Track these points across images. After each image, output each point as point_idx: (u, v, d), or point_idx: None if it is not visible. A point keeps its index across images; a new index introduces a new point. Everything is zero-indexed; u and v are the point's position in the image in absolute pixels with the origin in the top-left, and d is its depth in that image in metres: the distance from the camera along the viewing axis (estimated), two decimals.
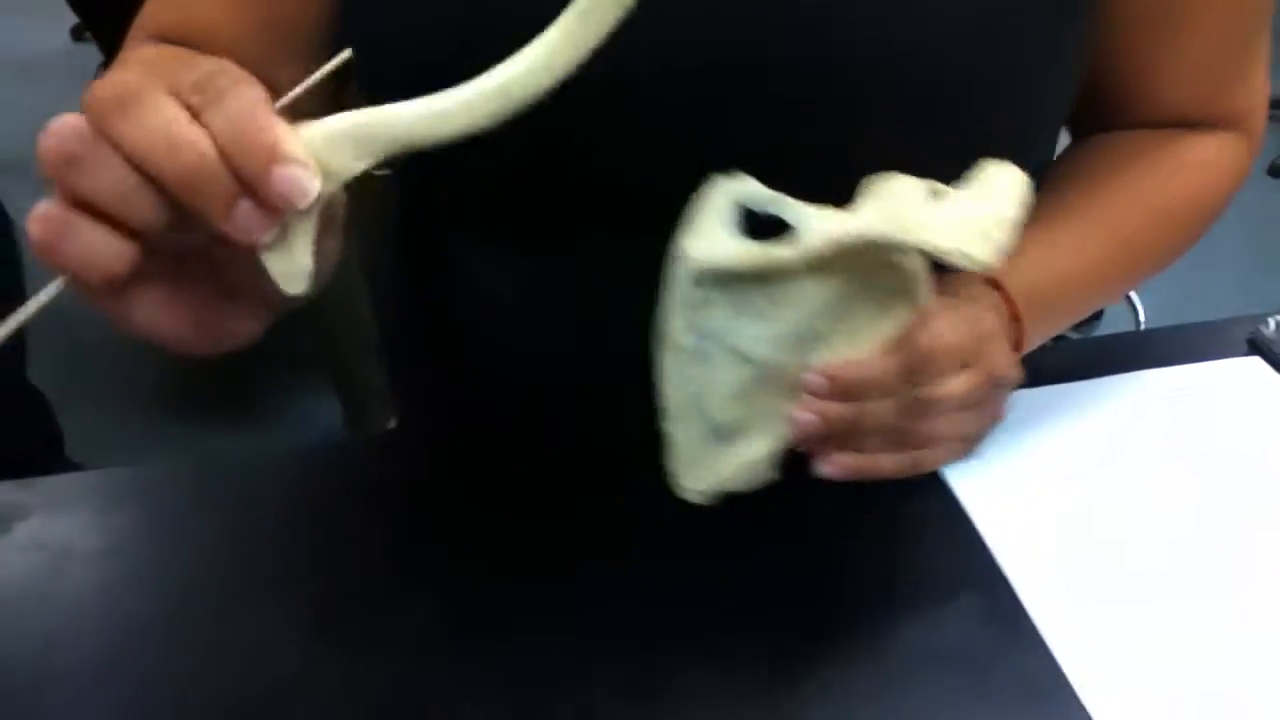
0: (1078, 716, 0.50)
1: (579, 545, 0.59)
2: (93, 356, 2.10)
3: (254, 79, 0.36)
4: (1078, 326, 0.68)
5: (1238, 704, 0.51)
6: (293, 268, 0.38)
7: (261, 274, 0.37)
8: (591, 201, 0.56)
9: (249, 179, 0.34)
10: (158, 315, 0.38)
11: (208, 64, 0.36)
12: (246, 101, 0.35)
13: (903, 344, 0.47)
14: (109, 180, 0.34)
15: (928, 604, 0.56)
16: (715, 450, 0.49)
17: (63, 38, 3.55)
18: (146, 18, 0.61)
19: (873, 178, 0.45)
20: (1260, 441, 0.65)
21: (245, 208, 0.35)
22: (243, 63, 0.57)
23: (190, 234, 0.36)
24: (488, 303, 0.64)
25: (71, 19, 3.26)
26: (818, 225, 0.44)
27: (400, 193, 0.68)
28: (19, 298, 1.45)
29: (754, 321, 0.46)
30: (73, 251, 0.34)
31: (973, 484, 0.62)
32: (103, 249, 0.34)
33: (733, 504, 0.61)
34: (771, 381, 0.48)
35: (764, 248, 0.45)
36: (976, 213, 0.43)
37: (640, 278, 0.51)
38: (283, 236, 0.37)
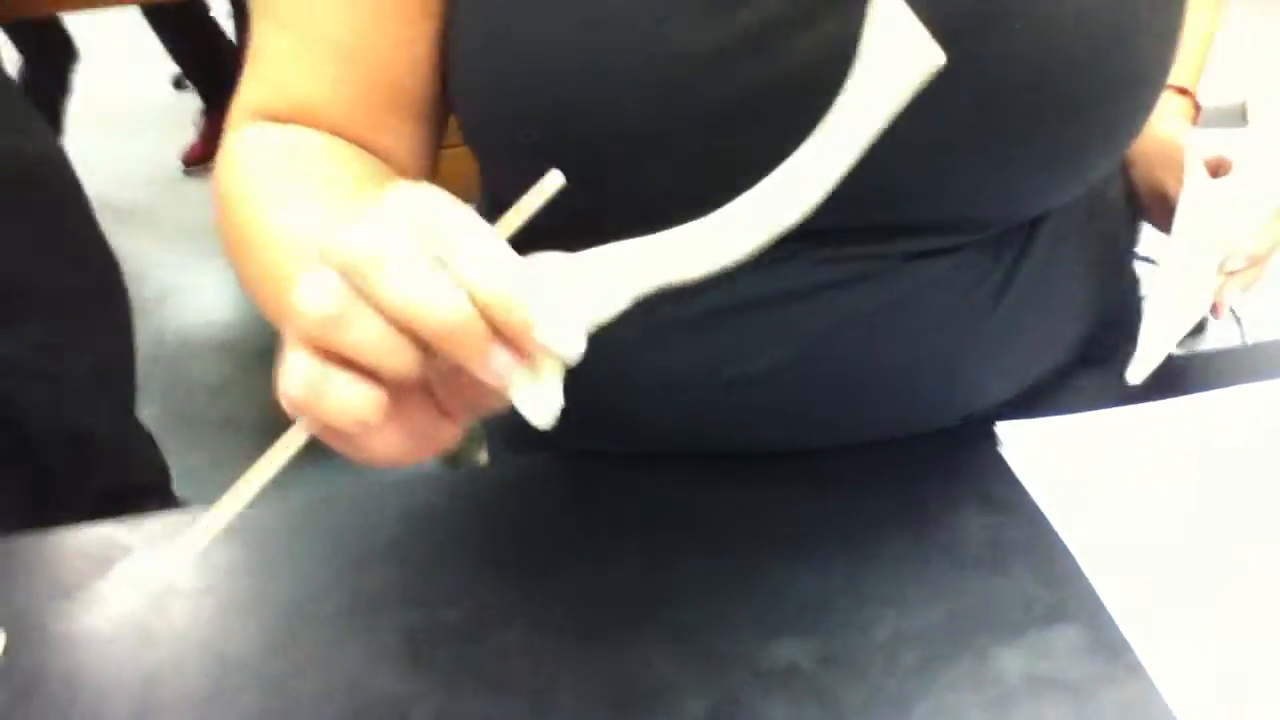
0: None
1: (671, 568, 0.59)
2: (197, 393, 2.17)
3: (471, 214, 0.37)
4: (1182, 342, 0.67)
5: None
6: (544, 402, 0.39)
7: (489, 394, 0.38)
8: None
9: (510, 335, 0.36)
10: (390, 441, 0.39)
11: (432, 205, 0.37)
12: (487, 249, 0.36)
13: None
14: (372, 337, 0.35)
15: (1028, 632, 0.54)
16: None
17: (164, 87, 3.68)
18: (245, 97, 0.61)
19: None
20: None
21: (502, 358, 0.37)
22: (348, 131, 0.58)
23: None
24: None
25: (172, 68, 3.39)
26: None
27: None
28: (129, 336, 1.49)
29: None
30: (332, 405, 0.36)
31: (1066, 507, 0.60)
32: (360, 401, 0.36)
33: (824, 533, 0.61)
34: None
35: None
36: None
37: None
38: (533, 371, 0.39)
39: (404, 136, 0.61)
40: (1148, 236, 0.77)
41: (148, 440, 1.77)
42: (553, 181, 0.39)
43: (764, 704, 0.52)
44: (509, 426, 0.74)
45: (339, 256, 0.35)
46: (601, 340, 0.62)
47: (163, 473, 1.78)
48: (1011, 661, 0.53)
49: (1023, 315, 0.64)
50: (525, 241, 0.39)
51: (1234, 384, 0.69)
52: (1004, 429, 0.66)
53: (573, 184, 0.49)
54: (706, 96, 0.53)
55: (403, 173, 0.61)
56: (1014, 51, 0.52)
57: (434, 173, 0.64)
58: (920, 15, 0.49)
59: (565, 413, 0.61)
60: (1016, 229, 0.62)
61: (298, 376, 0.36)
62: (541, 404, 0.39)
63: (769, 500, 0.63)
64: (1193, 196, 0.64)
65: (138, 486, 1.71)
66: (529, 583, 0.59)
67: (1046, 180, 0.59)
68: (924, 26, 0.40)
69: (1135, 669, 0.52)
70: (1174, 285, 0.65)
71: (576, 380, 0.64)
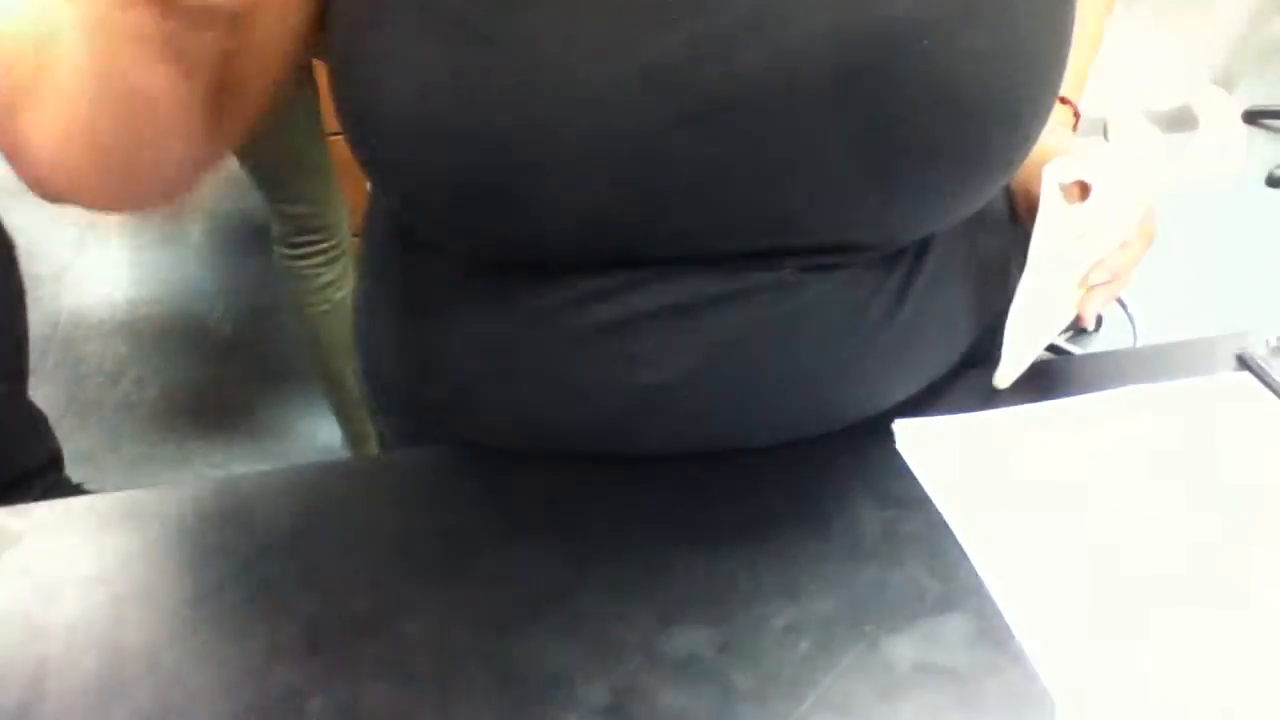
0: None
1: (575, 563, 0.59)
2: (92, 375, 2.11)
3: None
4: (1073, 339, 0.70)
5: (1243, 710, 0.51)
6: None
7: None
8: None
9: None
10: None
11: None
12: None
13: None
14: None
15: (917, 622, 0.56)
16: None
17: None
18: None
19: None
20: (1248, 457, 0.66)
21: None
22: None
23: None
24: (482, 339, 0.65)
25: None
26: None
27: (400, 243, 0.69)
28: (21, 315, 1.44)
29: None
30: None
31: (959, 502, 0.63)
32: None
33: (725, 528, 0.62)
34: None
35: None
36: None
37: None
38: None
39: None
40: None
41: (40, 423, 1.72)
42: None
43: (662, 691, 0.53)
44: (410, 424, 0.74)
45: None
46: (512, 345, 0.63)
47: (55, 457, 1.74)
48: (902, 649, 0.55)
49: (918, 323, 0.66)
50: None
51: (1122, 384, 0.72)
52: (901, 427, 0.68)
53: (496, 211, 0.50)
54: (617, 128, 0.53)
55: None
56: (907, 91, 0.53)
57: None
58: (819, 52, 0.51)
59: (472, 410, 0.61)
60: (909, 245, 0.64)
61: None
62: None
63: (671, 497, 0.64)
64: (1048, 218, 0.66)
65: (28, 471, 1.66)
66: (431, 574, 0.59)
67: (934, 208, 0.61)
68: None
69: (1018, 657, 0.54)
70: (1033, 296, 0.68)
71: (487, 383, 0.65)
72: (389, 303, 0.72)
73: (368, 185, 0.66)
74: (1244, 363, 0.74)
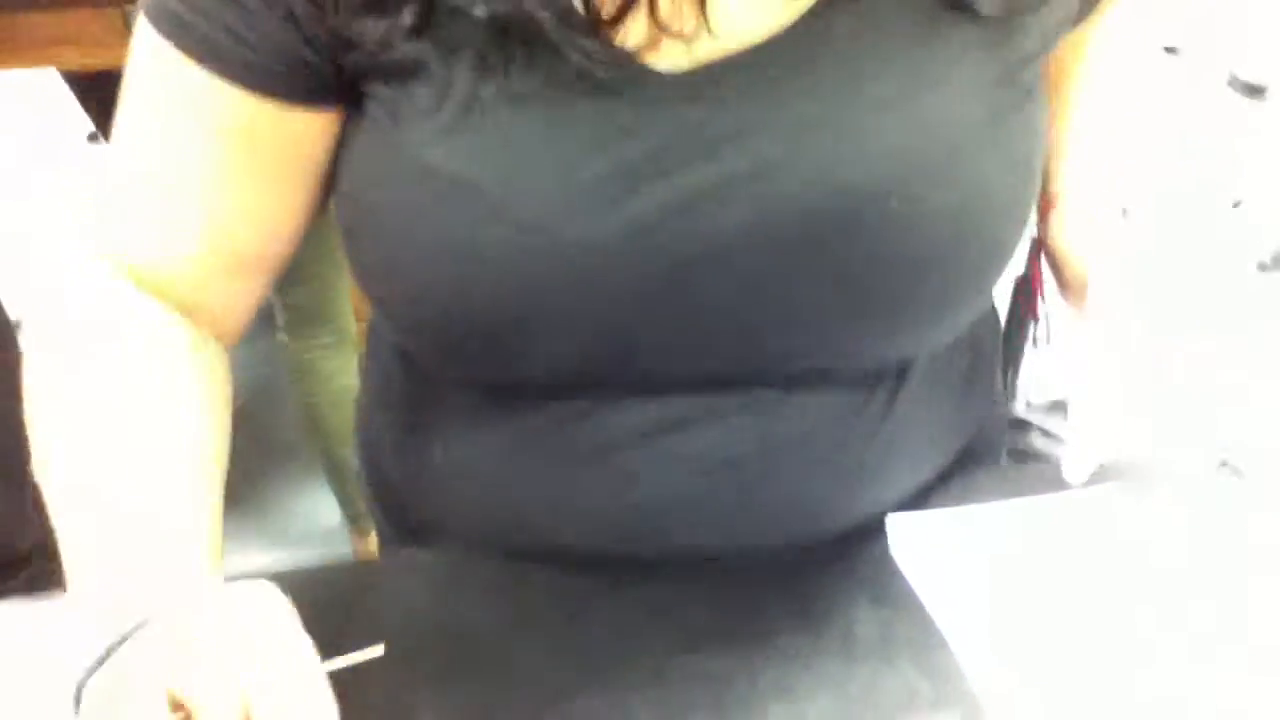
0: None
1: (575, 665, 0.61)
2: None
3: None
4: None
5: None
6: None
7: None
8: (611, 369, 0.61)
9: None
10: None
11: None
12: None
13: None
14: None
15: None
16: None
17: None
18: (104, 234, 0.60)
19: None
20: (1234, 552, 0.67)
21: None
22: (185, 287, 0.60)
23: None
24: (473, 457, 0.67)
25: None
26: None
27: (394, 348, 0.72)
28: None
29: None
30: None
31: (949, 601, 0.64)
32: None
33: (723, 629, 0.63)
34: None
35: None
36: None
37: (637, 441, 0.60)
38: None
39: (237, 295, 0.63)
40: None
41: (34, 505, 1.71)
42: (374, 651, 0.54)
43: None
44: (409, 521, 0.75)
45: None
46: (505, 462, 0.65)
47: (44, 543, 1.73)
48: None
49: (905, 435, 0.68)
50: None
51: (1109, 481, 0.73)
52: (893, 522, 0.69)
53: (491, 353, 0.53)
54: (604, 280, 0.56)
55: (233, 320, 0.63)
56: (876, 248, 0.56)
57: None
58: (793, 210, 0.54)
59: (469, 520, 0.63)
60: (890, 365, 0.67)
61: None
62: None
63: (670, 598, 0.66)
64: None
65: (18, 556, 1.65)
66: (433, 675, 0.60)
67: (909, 340, 0.64)
68: None
69: None
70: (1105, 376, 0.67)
71: (482, 496, 0.67)
72: (389, 411, 0.74)
73: None
74: (1226, 464, 0.75)
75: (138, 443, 0.55)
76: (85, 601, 0.50)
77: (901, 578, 0.67)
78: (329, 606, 0.65)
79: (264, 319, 1.74)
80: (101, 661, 0.48)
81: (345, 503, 1.88)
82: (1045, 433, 1.30)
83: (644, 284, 0.56)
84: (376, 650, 0.52)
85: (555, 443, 0.64)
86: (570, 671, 0.61)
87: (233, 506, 0.56)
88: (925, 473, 0.71)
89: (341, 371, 1.67)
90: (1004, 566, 0.67)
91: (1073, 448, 0.67)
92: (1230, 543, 0.68)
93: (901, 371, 0.67)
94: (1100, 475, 0.70)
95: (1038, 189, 0.62)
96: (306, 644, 0.49)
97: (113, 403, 0.56)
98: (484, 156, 0.54)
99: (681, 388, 0.62)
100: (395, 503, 0.76)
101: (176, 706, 0.45)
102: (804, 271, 0.56)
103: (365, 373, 0.79)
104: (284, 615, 0.50)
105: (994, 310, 0.78)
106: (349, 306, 1.66)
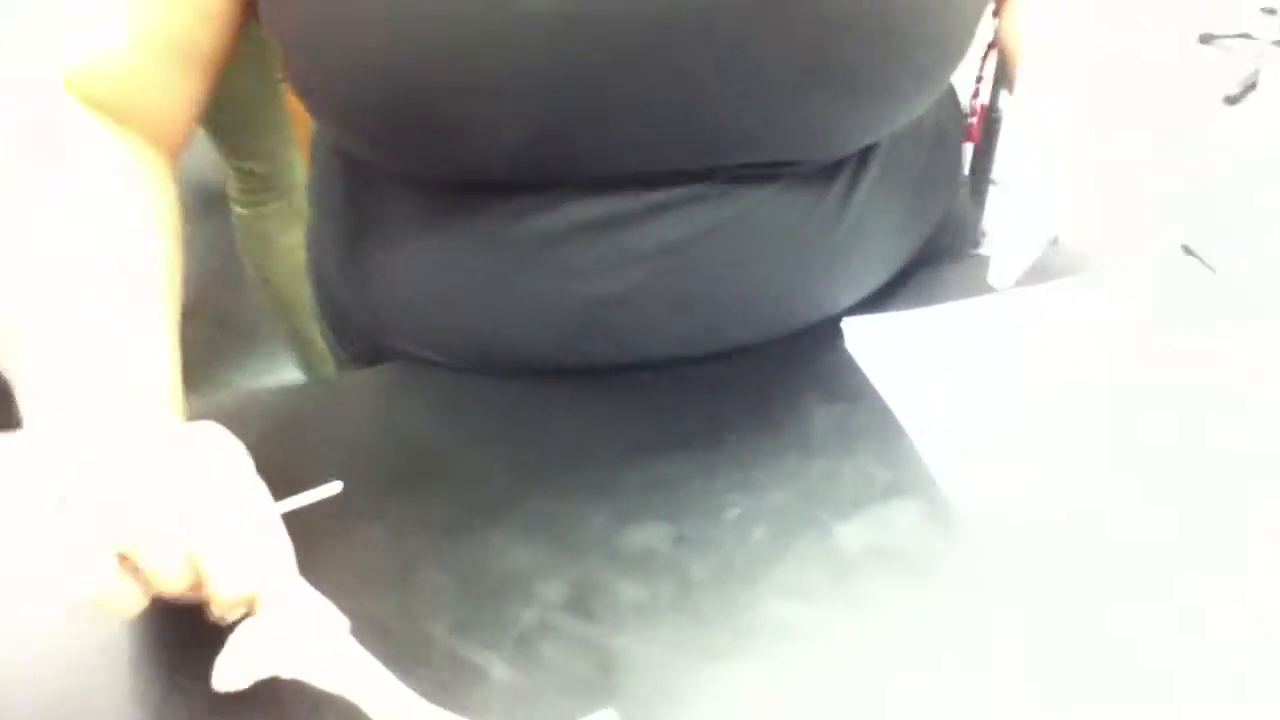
0: (1015, 599, 0.52)
1: (529, 470, 0.60)
2: None
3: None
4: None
5: (1172, 593, 0.52)
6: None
7: None
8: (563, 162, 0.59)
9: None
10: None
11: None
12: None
13: None
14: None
15: (867, 509, 0.57)
16: None
17: None
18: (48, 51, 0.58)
19: None
20: (1196, 343, 0.67)
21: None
22: (128, 82, 0.56)
23: None
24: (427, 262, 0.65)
25: None
26: None
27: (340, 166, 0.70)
28: None
29: None
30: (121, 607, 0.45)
31: (907, 394, 0.64)
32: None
33: (678, 433, 0.63)
34: None
35: None
36: None
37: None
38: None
39: (173, 94, 0.60)
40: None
41: None
42: (331, 489, 0.52)
43: (620, 583, 0.54)
44: (366, 347, 0.74)
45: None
46: (455, 262, 0.64)
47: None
48: (853, 534, 0.56)
49: (862, 232, 0.67)
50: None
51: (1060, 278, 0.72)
52: (849, 325, 0.68)
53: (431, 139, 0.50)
54: (547, 56, 0.53)
55: (171, 124, 0.60)
56: (829, 11, 0.54)
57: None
58: None
59: (422, 328, 0.61)
60: (849, 156, 0.65)
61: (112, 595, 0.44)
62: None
63: (624, 407, 0.65)
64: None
65: None
66: (387, 483, 0.60)
67: (864, 122, 0.62)
68: None
69: (965, 540, 0.56)
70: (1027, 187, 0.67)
71: (434, 300, 0.65)
72: (335, 229, 0.72)
73: None
74: (1189, 251, 0.75)
75: (88, 269, 0.53)
76: (41, 442, 0.48)
77: (856, 375, 0.66)
78: (283, 428, 0.64)
79: (216, 198, 1.71)
80: (56, 507, 0.47)
81: (313, 378, 1.87)
82: None
83: (588, 58, 0.53)
84: (334, 488, 0.51)
85: (497, 242, 0.63)
86: (523, 479, 0.60)
87: (193, 394, 0.55)
88: (886, 268, 0.70)
89: (298, 244, 1.64)
90: (962, 362, 0.66)
91: (997, 250, 0.67)
92: (1194, 342, 0.68)
93: (861, 160, 0.65)
94: (1040, 275, 0.69)
95: None
96: (259, 488, 0.48)
97: (58, 226, 0.54)
98: None
99: (629, 182, 0.60)
100: (346, 324, 0.74)
101: (123, 556, 0.44)
102: (760, 36, 0.54)
103: (311, 191, 0.76)
104: (236, 458, 0.49)
105: (954, 98, 0.76)
106: (302, 178, 1.63)
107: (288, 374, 1.97)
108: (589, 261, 0.62)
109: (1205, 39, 3.16)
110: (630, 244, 0.62)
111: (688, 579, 0.54)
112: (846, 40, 0.55)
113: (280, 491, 0.52)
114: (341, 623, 0.46)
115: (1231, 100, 2.92)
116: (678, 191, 0.61)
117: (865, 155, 0.66)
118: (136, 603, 0.45)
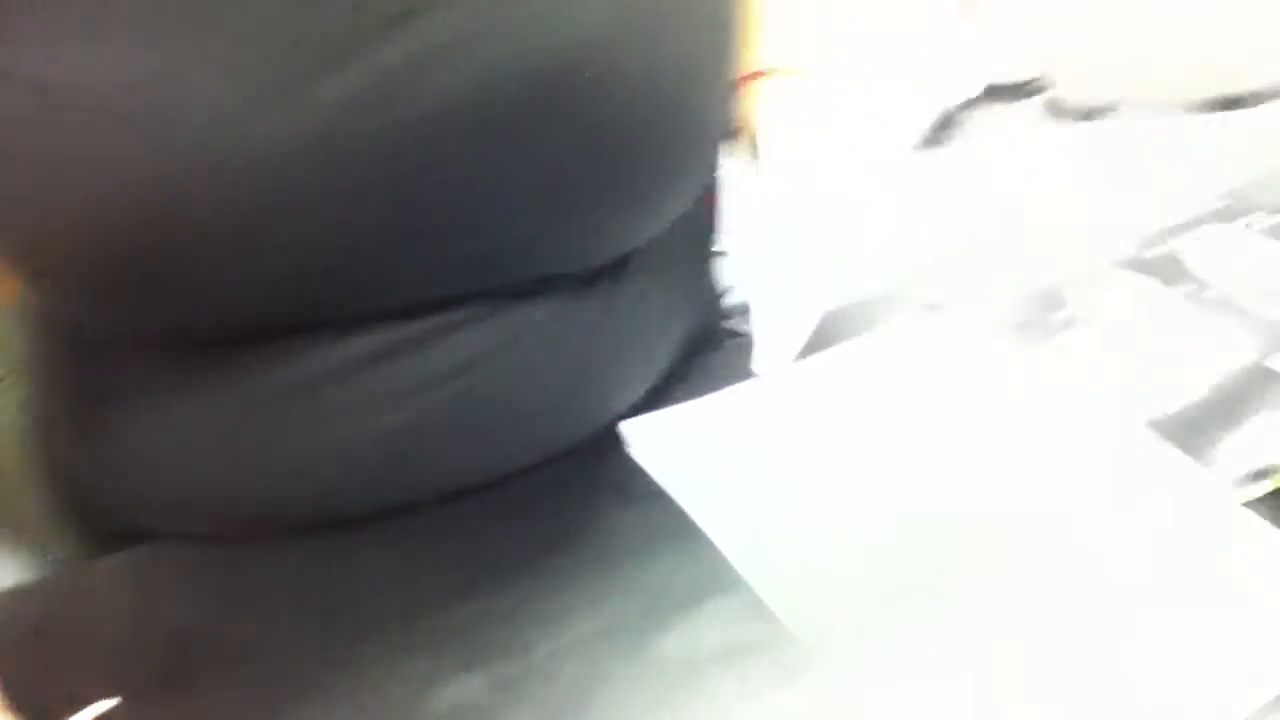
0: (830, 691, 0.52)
1: (319, 638, 0.56)
2: None
3: None
4: None
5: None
6: None
7: None
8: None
9: None
10: None
11: None
12: None
13: None
14: None
15: (682, 614, 0.56)
16: None
17: None
18: None
19: None
20: (968, 397, 0.70)
21: None
22: None
23: None
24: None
25: None
26: None
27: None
28: None
29: None
30: None
31: (696, 492, 0.63)
32: None
33: (476, 568, 0.60)
34: None
35: None
36: None
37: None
38: None
39: None
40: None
41: None
42: (106, 704, 0.46)
43: None
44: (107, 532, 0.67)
45: None
46: (213, 428, 0.59)
47: None
48: (670, 645, 0.55)
49: (631, 328, 0.67)
50: None
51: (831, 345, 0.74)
52: (628, 427, 0.68)
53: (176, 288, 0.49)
54: (281, 195, 0.50)
55: None
56: (587, 112, 0.53)
57: None
58: (490, 82, 0.50)
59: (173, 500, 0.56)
60: (605, 266, 0.65)
61: None
62: None
63: (413, 555, 0.62)
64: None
65: None
66: (177, 686, 0.54)
67: (624, 226, 0.62)
68: None
69: (784, 633, 0.55)
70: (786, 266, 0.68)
71: (188, 472, 0.60)
72: (61, 403, 0.65)
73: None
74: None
75: None
76: None
77: (647, 475, 0.65)
78: (32, 637, 0.57)
79: None
80: None
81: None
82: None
83: (327, 191, 0.50)
84: (108, 703, 0.45)
85: (255, 394, 0.58)
86: (326, 648, 0.56)
87: None
88: (657, 368, 0.70)
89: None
90: (739, 447, 0.66)
91: (759, 342, 0.68)
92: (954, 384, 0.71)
93: (620, 264, 0.65)
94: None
95: (740, 56, 0.61)
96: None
97: None
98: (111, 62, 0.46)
99: (392, 314, 0.58)
100: (91, 512, 0.67)
101: None
102: (508, 155, 0.53)
103: (28, 361, 0.69)
104: None
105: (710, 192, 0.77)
106: None
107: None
108: (363, 399, 0.59)
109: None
110: (399, 377, 0.59)
111: None
112: (593, 152, 0.54)
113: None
114: None
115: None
116: (446, 318, 0.59)
117: (621, 262, 0.65)
118: None
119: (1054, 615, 0.54)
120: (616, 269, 0.65)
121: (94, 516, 0.67)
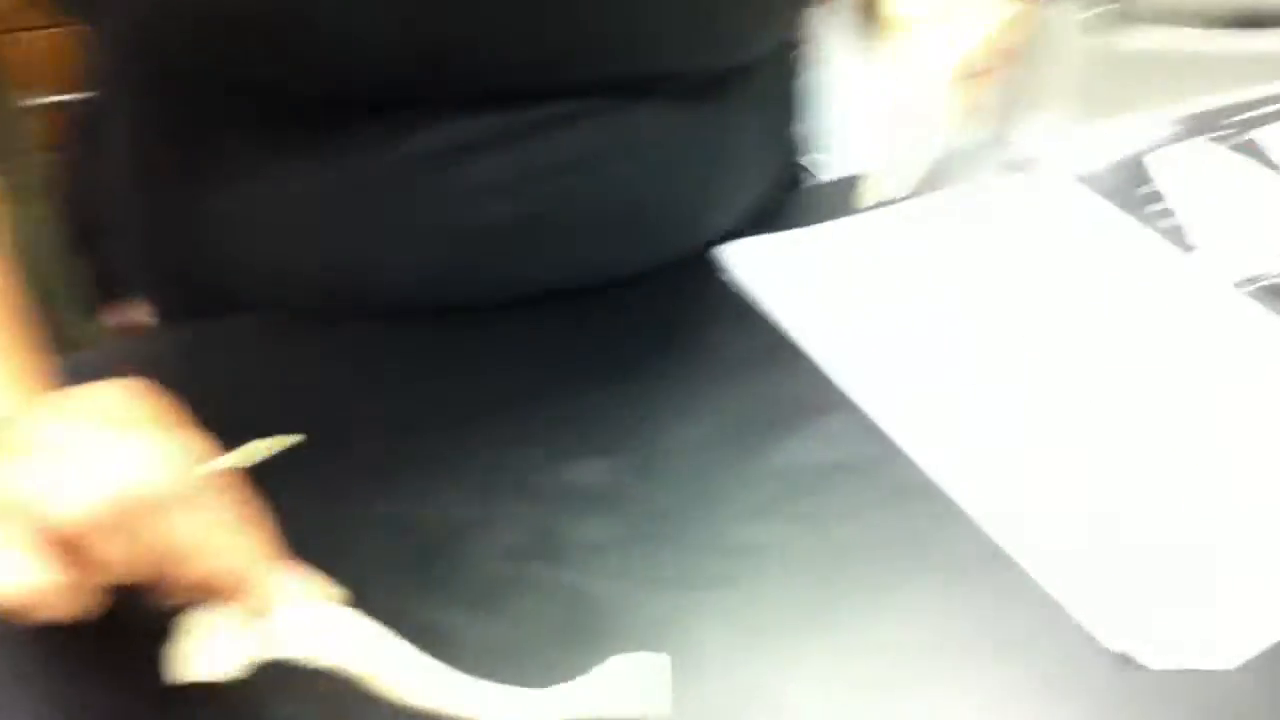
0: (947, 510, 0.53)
1: (435, 417, 0.55)
2: None
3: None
4: None
5: (1094, 474, 0.55)
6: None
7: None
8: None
9: None
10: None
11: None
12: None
13: None
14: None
15: (799, 426, 0.56)
16: None
17: None
18: None
19: None
20: (1064, 247, 0.71)
21: None
22: None
23: None
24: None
25: None
26: None
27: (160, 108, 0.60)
28: None
29: None
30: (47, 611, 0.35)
31: (802, 315, 0.63)
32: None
33: (580, 369, 0.59)
34: None
35: None
36: None
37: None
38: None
39: None
40: None
41: None
42: (281, 441, 0.41)
43: (574, 522, 0.50)
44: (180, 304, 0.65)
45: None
46: (318, 201, 0.56)
47: None
48: (791, 453, 0.55)
49: (733, 152, 0.66)
50: None
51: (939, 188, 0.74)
52: (727, 250, 0.67)
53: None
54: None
55: None
56: None
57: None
58: None
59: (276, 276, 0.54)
60: (725, 74, 0.64)
61: (18, 582, 0.34)
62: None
63: (515, 346, 0.61)
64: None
65: None
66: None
67: (745, 29, 0.61)
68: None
69: (896, 449, 0.56)
70: (901, 97, 0.68)
71: (293, 243, 0.58)
72: (141, 177, 0.62)
73: None
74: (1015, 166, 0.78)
75: None
76: None
77: (744, 299, 0.65)
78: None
79: None
80: None
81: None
82: None
83: None
84: (293, 438, 0.42)
85: (366, 169, 0.56)
86: (441, 426, 0.55)
87: None
88: (752, 194, 0.70)
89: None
90: (851, 279, 0.67)
91: (866, 181, 0.68)
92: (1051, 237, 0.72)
93: (736, 78, 0.64)
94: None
95: None
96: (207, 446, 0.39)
97: None
98: None
99: (510, 97, 0.56)
100: (174, 281, 0.64)
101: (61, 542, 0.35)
102: None
103: (103, 159, 0.65)
104: (169, 415, 0.40)
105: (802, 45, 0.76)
106: None
107: None
108: (469, 185, 0.57)
109: None
110: (512, 165, 0.57)
111: (641, 512, 0.51)
112: None
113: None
114: (336, 592, 0.39)
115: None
116: (561, 107, 0.57)
117: (739, 74, 0.64)
118: (80, 600, 0.36)
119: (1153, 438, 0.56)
120: (725, 88, 0.64)
121: (178, 289, 0.65)
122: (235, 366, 0.59)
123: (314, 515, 0.49)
